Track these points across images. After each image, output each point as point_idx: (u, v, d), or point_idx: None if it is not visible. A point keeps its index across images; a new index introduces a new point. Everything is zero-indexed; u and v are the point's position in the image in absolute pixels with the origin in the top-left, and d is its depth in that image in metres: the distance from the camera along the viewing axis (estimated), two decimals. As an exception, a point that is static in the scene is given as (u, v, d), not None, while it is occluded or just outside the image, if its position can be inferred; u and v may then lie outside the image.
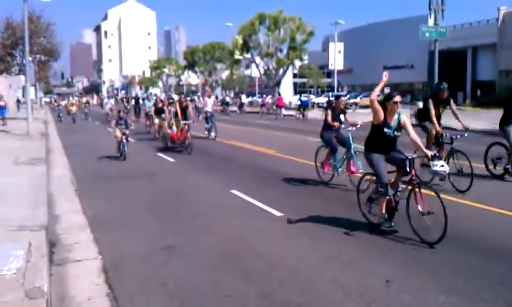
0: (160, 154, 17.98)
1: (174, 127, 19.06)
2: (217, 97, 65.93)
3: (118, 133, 16.70)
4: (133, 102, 46.73)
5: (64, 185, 12.37)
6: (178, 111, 18.94)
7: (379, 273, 6.02)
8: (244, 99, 62.04)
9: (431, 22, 32.80)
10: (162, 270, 6.33)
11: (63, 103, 49.00)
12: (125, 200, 10.59)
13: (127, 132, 16.96)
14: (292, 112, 43.91)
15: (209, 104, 24.18)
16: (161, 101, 24.39)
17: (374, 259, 6.58)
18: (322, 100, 57.96)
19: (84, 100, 70.75)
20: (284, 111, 44.36)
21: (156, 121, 22.57)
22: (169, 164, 15.97)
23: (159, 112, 22.58)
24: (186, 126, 18.22)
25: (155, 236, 7.76)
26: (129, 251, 7.07)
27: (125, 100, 57.68)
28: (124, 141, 16.54)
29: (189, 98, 23.00)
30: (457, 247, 6.94)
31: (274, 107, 44.58)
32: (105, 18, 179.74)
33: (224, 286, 5.75)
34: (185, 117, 18.70)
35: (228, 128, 28.60)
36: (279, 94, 45.84)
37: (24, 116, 27.47)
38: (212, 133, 22.90)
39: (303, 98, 41.96)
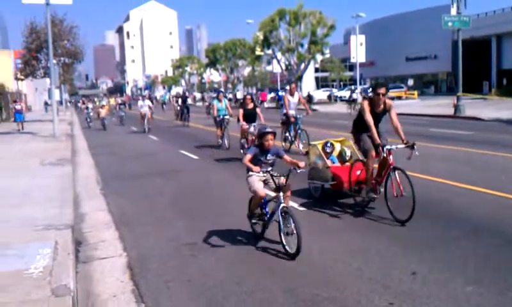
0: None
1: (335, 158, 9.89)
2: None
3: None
4: (179, 101, 38.25)
5: (90, 184, 12.53)
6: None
7: (404, 265, 5.94)
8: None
9: (453, 11, 32.27)
10: (187, 266, 6.35)
11: (90, 105, 40.98)
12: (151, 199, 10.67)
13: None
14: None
15: (292, 104, 16.64)
16: (251, 98, 16.33)
17: (398, 251, 6.50)
18: (345, 93, 57.60)
19: (115, 100, 65.38)
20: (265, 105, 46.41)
21: (251, 129, 15.08)
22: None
23: (249, 116, 15.40)
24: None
25: (180, 233, 7.79)
26: (154, 248, 7.11)
27: (174, 99, 50.48)
28: None
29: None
30: (482, 239, 6.82)
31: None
32: (127, 19, 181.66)
33: (249, 281, 5.74)
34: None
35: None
36: (261, 90, 46.65)
37: (51, 117, 27.82)
38: (301, 145, 16.21)
39: (280, 93, 42.61)
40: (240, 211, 7.91)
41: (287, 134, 16.77)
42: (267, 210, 7.03)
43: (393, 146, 7.85)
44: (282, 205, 6.53)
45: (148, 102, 29.18)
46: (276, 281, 5.69)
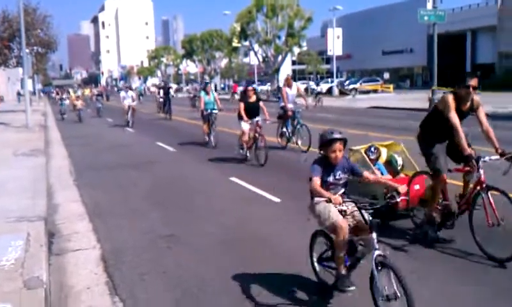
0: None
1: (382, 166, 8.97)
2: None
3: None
4: (161, 93, 36.09)
5: (63, 175, 12.34)
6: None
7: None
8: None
9: (429, 5, 32.71)
10: (163, 258, 6.30)
11: (64, 96, 37.52)
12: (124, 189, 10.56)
13: None
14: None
15: (291, 97, 15.28)
16: (254, 90, 13.71)
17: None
18: (323, 86, 57.71)
19: (91, 91, 64.93)
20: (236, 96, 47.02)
21: (246, 127, 13.10)
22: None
23: (251, 110, 13.15)
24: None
25: (155, 225, 7.73)
26: (128, 240, 7.04)
27: (156, 90, 45.87)
28: None
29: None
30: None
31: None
32: (103, 8, 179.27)
33: (226, 273, 5.71)
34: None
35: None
36: (234, 82, 46.59)
37: (23, 108, 27.33)
38: (299, 142, 15.03)
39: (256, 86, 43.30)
40: (216, 204, 7.86)
41: (284, 130, 15.39)
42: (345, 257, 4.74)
43: (486, 158, 5.89)
44: (377, 253, 4.23)
45: (131, 93, 27.13)
46: (252, 273, 5.68)
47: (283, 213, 8.14)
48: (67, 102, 36.20)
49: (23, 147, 16.42)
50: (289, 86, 15.30)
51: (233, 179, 10.89)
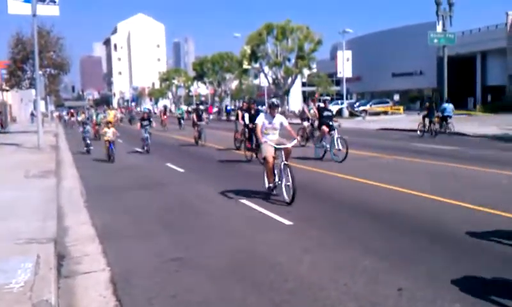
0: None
1: None
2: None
3: None
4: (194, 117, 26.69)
5: (74, 197, 12.37)
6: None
7: (391, 281, 5.90)
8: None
9: (439, 28, 32.78)
10: (172, 281, 6.26)
11: (79, 116, 31.11)
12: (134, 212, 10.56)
13: None
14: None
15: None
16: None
17: (386, 267, 6.46)
18: (333, 108, 57.78)
19: (116, 113, 52.64)
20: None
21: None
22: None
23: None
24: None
25: (164, 248, 7.69)
26: (138, 263, 7.01)
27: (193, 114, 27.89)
28: None
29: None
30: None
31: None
32: (115, 31, 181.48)
33: (236, 298, 5.65)
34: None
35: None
36: (206, 103, 47.11)
37: (35, 129, 27.56)
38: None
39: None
40: (226, 227, 7.84)
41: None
42: None
43: None
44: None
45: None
46: (262, 298, 5.62)
47: (295, 237, 8.07)
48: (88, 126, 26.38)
49: (34, 168, 16.51)
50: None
51: (244, 201, 10.84)
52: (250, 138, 18.06)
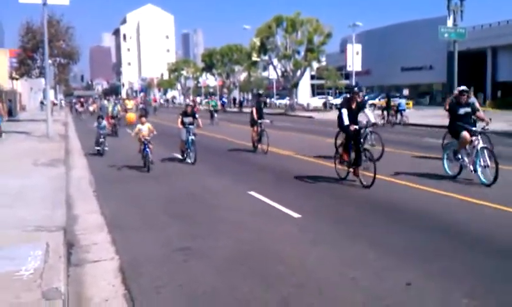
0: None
1: None
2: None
3: None
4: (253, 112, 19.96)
5: (83, 185, 12.42)
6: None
7: (399, 276, 5.89)
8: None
9: (449, 23, 32.45)
10: (179, 271, 6.28)
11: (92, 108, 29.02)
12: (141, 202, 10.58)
13: None
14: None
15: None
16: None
17: (394, 262, 6.45)
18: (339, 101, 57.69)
19: (135, 101, 47.15)
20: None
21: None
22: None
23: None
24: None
25: (172, 237, 7.72)
26: (146, 252, 7.04)
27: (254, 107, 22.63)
28: None
29: None
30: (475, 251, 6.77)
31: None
32: (124, 21, 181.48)
33: (243, 289, 5.67)
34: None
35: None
36: (215, 94, 46.56)
37: (45, 117, 27.68)
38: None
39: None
40: (234, 218, 7.84)
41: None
42: None
43: None
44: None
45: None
46: (269, 290, 5.62)
47: (303, 229, 8.07)
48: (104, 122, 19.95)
49: (43, 157, 16.58)
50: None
51: (252, 193, 10.85)
52: (347, 146, 11.80)
